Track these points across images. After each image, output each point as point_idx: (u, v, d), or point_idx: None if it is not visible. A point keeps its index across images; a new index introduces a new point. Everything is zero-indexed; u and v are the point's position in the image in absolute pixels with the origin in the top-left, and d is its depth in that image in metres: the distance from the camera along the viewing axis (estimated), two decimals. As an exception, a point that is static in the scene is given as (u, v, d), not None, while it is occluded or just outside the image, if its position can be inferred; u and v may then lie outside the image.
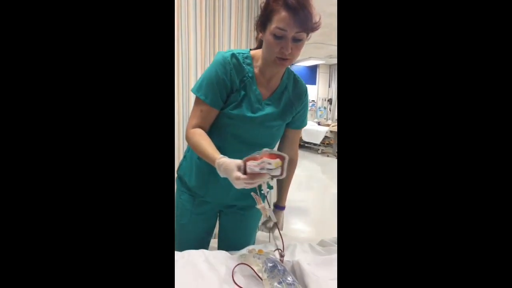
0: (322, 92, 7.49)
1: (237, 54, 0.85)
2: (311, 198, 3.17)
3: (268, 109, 0.88)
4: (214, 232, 1.08)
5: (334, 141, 5.82)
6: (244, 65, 0.85)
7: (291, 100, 0.92)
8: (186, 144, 0.92)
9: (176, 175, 1.03)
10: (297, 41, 0.77)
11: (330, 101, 7.37)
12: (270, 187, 0.89)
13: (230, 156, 0.72)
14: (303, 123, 1.00)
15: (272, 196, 2.18)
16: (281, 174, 0.70)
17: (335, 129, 5.64)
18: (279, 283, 0.65)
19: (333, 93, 7.27)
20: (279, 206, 1.05)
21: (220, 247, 1.06)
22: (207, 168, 0.86)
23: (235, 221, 1.03)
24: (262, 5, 0.79)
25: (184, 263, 0.78)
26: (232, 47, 1.91)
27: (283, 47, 0.76)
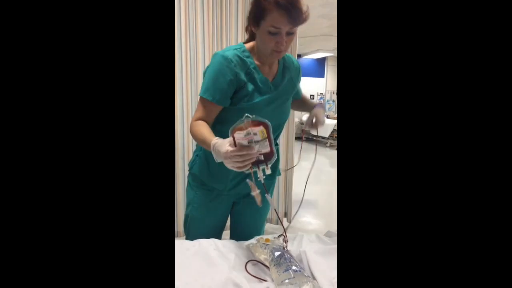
0: (330, 85, 7.41)
1: (236, 51, 0.89)
2: (319, 191, 3.19)
3: (274, 91, 0.94)
4: (226, 224, 1.12)
5: (342, 134, 5.75)
6: (244, 58, 0.90)
7: (292, 76, 1.00)
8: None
9: (188, 171, 1.07)
10: (290, 34, 0.83)
11: (338, 94, 7.27)
12: (265, 173, 0.88)
13: None
14: (300, 91, 1.12)
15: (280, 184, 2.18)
16: (270, 157, 0.75)
17: (343, 122, 5.56)
18: (285, 271, 0.68)
19: (342, 86, 7.15)
20: (318, 105, 1.10)
21: (231, 238, 1.09)
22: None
23: (246, 213, 1.07)
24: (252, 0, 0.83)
25: (195, 251, 0.81)
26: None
27: (279, 42, 0.82)
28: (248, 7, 1.86)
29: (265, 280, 0.71)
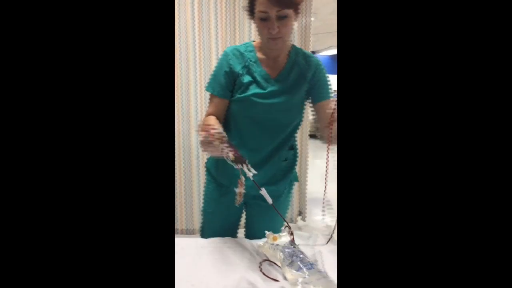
0: (345, 82, 7.30)
1: (239, 46, 0.94)
2: (334, 190, 3.16)
3: (277, 85, 0.92)
4: (241, 222, 1.12)
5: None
6: (245, 52, 0.93)
7: (303, 72, 0.94)
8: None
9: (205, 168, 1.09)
10: (282, 18, 0.82)
11: (353, 90, 7.19)
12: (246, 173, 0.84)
13: (247, 139, 0.74)
14: (327, 94, 0.98)
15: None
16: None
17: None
18: (299, 269, 0.67)
19: (357, 82, 7.06)
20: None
21: (247, 237, 1.09)
22: None
23: (260, 212, 1.06)
24: None
25: (210, 250, 0.82)
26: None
27: (270, 27, 0.82)
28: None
29: (279, 280, 0.70)
